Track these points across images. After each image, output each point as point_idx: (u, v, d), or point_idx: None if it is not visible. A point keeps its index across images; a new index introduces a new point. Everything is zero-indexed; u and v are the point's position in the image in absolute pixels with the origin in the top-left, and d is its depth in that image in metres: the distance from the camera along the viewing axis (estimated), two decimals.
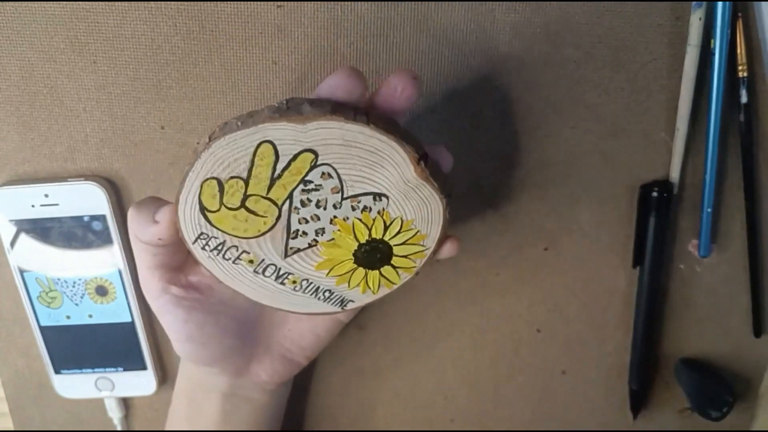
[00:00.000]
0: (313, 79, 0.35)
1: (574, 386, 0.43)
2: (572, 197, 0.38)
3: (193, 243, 0.28)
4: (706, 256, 0.38)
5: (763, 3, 0.33)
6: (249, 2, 0.33)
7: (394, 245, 0.29)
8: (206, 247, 0.28)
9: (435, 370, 0.43)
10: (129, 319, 0.39)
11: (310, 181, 0.26)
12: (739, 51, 0.34)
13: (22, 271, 0.38)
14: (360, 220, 0.27)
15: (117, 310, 0.39)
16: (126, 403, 0.43)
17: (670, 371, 0.42)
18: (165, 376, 0.42)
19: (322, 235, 0.28)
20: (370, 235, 0.28)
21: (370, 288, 0.30)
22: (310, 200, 0.27)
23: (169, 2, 0.33)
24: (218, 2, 0.33)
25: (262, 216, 0.27)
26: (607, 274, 0.40)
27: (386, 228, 0.28)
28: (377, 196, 0.27)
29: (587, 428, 0.44)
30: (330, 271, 0.29)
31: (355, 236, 0.28)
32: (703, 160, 0.36)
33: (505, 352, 0.42)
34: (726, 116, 0.35)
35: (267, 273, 0.29)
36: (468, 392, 0.43)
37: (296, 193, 0.27)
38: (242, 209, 0.27)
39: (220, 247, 0.28)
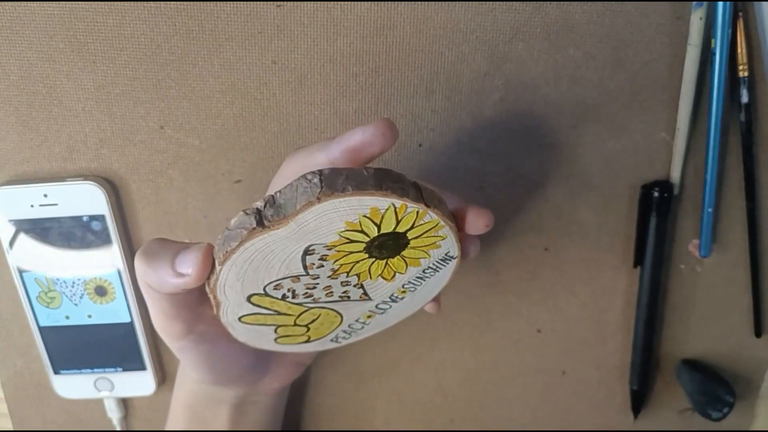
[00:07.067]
0: (312, 79, 0.35)
1: (574, 386, 0.43)
2: (572, 197, 0.38)
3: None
4: (706, 256, 0.38)
5: (763, 3, 0.33)
6: (249, 2, 0.33)
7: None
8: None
9: (435, 370, 0.42)
10: (128, 320, 0.39)
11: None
12: (739, 51, 0.34)
13: (21, 271, 0.38)
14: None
15: (116, 311, 0.39)
16: (125, 403, 0.43)
17: (670, 371, 0.42)
18: (164, 376, 0.42)
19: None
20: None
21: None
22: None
23: (169, 2, 0.33)
24: (218, 2, 0.33)
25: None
26: (607, 274, 0.40)
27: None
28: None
29: (587, 428, 0.44)
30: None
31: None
32: (704, 160, 0.36)
33: (505, 353, 0.42)
34: (726, 116, 0.35)
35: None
36: (468, 392, 0.43)
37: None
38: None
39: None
